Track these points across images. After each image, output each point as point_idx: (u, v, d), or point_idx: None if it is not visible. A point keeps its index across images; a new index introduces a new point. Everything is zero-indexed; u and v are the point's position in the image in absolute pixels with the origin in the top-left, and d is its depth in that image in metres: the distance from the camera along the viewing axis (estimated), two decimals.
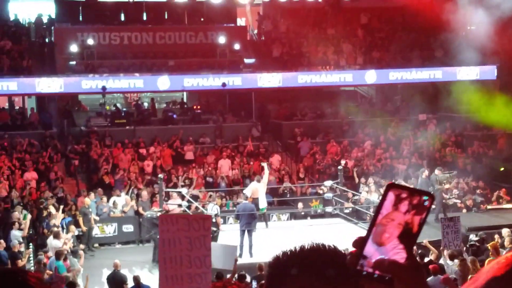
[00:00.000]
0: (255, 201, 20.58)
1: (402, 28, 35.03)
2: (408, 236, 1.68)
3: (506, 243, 16.94)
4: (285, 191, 25.98)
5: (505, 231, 17.86)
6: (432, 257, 16.22)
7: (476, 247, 18.38)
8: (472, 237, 18.91)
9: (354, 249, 1.71)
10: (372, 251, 1.69)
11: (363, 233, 1.73)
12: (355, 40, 34.85)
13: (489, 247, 16.18)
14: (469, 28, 34.61)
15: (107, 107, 32.69)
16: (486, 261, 15.28)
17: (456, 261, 14.94)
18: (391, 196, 1.71)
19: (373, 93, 35.19)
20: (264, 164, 22.52)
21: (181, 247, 7.30)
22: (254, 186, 21.08)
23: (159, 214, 21.36)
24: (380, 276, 1.65)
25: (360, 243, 1.72)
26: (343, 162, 27.30)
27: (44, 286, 2.01)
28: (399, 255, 1.67)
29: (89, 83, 28.92)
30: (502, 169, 28.68)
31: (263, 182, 21.30)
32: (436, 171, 23.32)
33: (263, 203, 20.83)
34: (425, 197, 1.70)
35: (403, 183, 25.29)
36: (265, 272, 2.08)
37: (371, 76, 31.32)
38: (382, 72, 31.66)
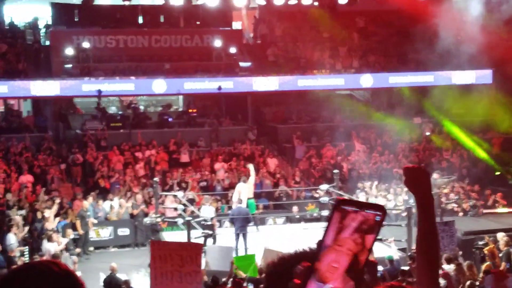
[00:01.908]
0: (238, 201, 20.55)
1: (398, 32, 35.07)
2: (356, 267, 1.58)
3: (501, 246, 16.99)
4: (281, 194, 25.99)
5: (500, 235, 17.90)
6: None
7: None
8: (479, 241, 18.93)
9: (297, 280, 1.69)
10: None
11: None
12: (351, 44, 34.89)
13: (485, 252, 16.21)
14: (465, 32, 34.69)
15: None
16: (483, 266, 15.33)
17: (452, 265, 14.96)
18: (339, 214, 1.61)
19: (369, 96, 35.21)
20: (250, 166, 22.49)
21: (172, 262, 7.32)
22: (238, 188, 21.05)
23: (158, 220, 21.42)
24: None
25: (304, 276, 1.65)
26: (344, 165, 27.40)
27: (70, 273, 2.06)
28: None
29: (84, 86, 28.92)
30: (497, 173, 28.75)
31: (249, 183, 21.28)
32: (435, 175, 23.29)
33: (244, 205, 20.70)
34: (377, 212, 1.63)
35: (397, 188, 25.36)
36: (264, 276, 2.11)
37: (366, 80, 31.37)
38: (378, 75, 31.72)
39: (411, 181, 2.62)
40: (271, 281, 2.07)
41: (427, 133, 31.00)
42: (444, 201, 23.28)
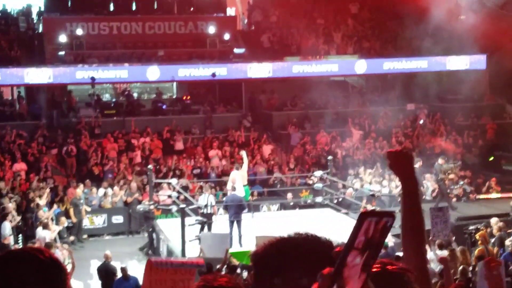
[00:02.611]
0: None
1: (392, 18, 34.99)
2: (369, 263, 1.73)
3: (494, 231, 17.04)
4: (275, 181, 26.00)
5: (493, 221, 17.94)
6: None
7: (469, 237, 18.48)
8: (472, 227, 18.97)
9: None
10: None
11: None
12: (346, 30, 34.80)
13: (477, 237, 16.24)
14: (459, 17, 34.65)
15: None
16: (476, 251, 15.37)
17: (445, 251, 14.99)
18: (365, 225, 1.72)
19: (363, 83, 35.19)
20: (243, 153, 22.45)
21: (165, 286, 7.27)
22: (233, 175, 21.05)
23: (151, 207, 21.41)
24: None
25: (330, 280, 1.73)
26: (338, 152, 27.43)
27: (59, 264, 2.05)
28: None
29: (78, 74, 28.82)
30: (491, 158, 28.79)
31: (243, 170, 21.25)
32: (440, 160, 23.21)
33: (240, 193, 20.73)
34: (389, 218, 1.77)
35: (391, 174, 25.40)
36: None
37: (361, 66, 31.32)
38: (372, 61, 31.66)
39: (394, 164, 2.80)
40: (260, 269, 2.04)
41: (421, 121, 30.97)
42: (449, 186, 23.20)
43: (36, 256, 2.03)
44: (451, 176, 23.26)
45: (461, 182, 24.42)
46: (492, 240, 16.64)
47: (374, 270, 2.09)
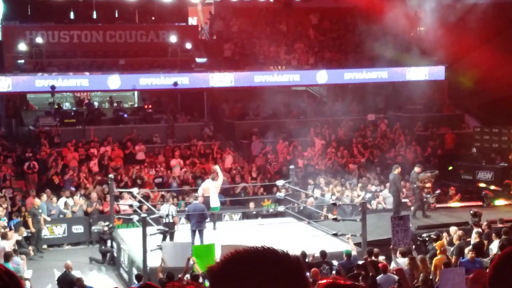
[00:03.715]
0: (206, 199, 20.53)
1: (353, 29, 35.34)
2: None
3: (454, 240, 17.24)
4: (241, 191, 25.99)
5: (453, 229, 18.17)
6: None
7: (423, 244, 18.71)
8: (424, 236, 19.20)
9: None
10: None
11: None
12: (307, 40, 35.03)
13: (436, 247, 16.43)
14: (419, 28, 35.17)
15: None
16: (434, 260, 15.55)
17: (405, 259, 15.14)
18: None
19: (324, 93, 35.44)
20: (216, 167, 22.42)
21: None
22: (206, 184, 21.02)
23: (106, 228, 21.23)
24: None
25: None
26: (300, 161, 27.55)
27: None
28: None
29: (38, 82, 28.51)
30: (450, 168, 29.18)
31: (218, 183, 21.23)
32: (416, 168, 23.38)
33: (214, 203, 20.76)
34: None
35: (350, 183, 25.60)
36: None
37: (322, 76, 31.53)
38: (333, 72, 31.90)
39: None
40: (216, 287, 1.98)
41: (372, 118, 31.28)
42: (425, 196, 23.37)
43: None
44: (428, 185, 23.45)
45: (437, 192, 24.68)
46: (451, 248, 16.85)
47: (324, 283, 2.06)
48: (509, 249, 2.46)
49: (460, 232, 17.66)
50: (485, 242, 17.35)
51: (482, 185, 26.49)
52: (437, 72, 32.74)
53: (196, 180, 25.97)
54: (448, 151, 30.71)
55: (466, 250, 15.81)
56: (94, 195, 23.68)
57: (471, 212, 20.05)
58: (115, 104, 32.54)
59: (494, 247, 16.59)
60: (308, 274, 13.55)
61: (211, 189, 20.77)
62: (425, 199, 23.20)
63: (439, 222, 21.29)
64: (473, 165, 28.17)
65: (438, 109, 33.82)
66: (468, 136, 31.40)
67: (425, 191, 23.20)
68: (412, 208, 22.99)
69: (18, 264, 16.87)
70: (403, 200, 24.00)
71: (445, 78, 32.94)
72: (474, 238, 17.51)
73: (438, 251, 16.10)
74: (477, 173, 27.60)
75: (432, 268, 15.15)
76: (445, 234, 18.08)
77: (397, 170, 22.63)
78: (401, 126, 31.55)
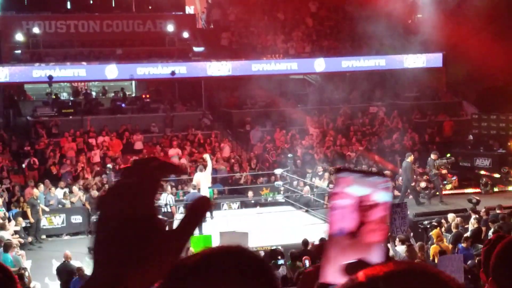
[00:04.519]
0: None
1: (351, 17, 35.25)
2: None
3: (452, 227, 17.29)
4: (240, 180, 25.99)
5: (450, 216, 18.22)
6: None
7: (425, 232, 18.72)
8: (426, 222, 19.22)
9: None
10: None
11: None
12: (305, 28, 34.95)
13: (433, 235, 16.48)
14: (417, 16, 35.12)
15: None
16: (431, 248, 15.60)
17: (403, 246, 15.18)
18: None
19: (322, 81, 35.38)
20: (206, 156, 22.42)
21: None
22: (197, 178, 21.01)
23: None
24: None
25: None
26: (298, 150, 27.54)
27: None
28: None
29: (35, 72, 28.47)
30: (448, 155, 29.16)
31: (207, 173, 21.20)
32: (432, 155, 23.33)
33: (205, 194, 20.68)
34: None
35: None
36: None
37: (320, 64, 31.50)
38: (331, 60, 31.87)
39: None
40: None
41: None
42: (442, 182, 23.38)
43: None
44: (444, 171, 23.46)
45: (453, 178, 24.69)
46: (449, 236, 16.90)
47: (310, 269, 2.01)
48: (510, 238, 2.46)
49: (458, 219, 17.71)
50: (484, 228, 17.39)
51: (483, 172, 26.44)
52: (435, 59, 32.70)
53: (196, 169, 25.93)
54: (446, 139, 30.70)
55: (463, 238, 15.88)
56: (94, 193, 23.61)
57: (469, 199, 20.08)
58: (112, 94, 32.40)
59: (491, 233, 16.65)
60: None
61: (201, 181, 20.73)
62: (441, 186, 23.19)
63: (437, 210, 21.32)
64: (471, 152, 28.17)
65: (436, 97, 33.80)
66: (466, 123, 31.38)
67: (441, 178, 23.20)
68: (436, 193, 22.85)
69: (17, 259, 16.86)
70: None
71: (442, 65, 32.91)
72: (472, 225, 17.56)
73: (435, 240, 16.16)
74: (475, 160, 27.61)
75: (431, 256, 15.20)
76: (443, 221, 18.14)
77: (410, 158, 22.51)
78: (399, 114, 31.52)
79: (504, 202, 20.85)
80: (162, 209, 19.59)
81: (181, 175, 17.65)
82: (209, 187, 21.20)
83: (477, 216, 18.09)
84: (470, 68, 30.84)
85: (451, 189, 24.48)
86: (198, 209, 1.37)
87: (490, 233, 16.96)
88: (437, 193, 22.87)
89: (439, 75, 33.81)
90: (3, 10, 33.32)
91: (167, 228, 1.43)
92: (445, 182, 23.66)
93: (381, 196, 1.44)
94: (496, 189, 24.96)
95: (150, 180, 1.33)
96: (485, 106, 31.31)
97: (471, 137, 29.50)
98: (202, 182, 20.69)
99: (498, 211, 18.48)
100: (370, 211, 1.44)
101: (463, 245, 15.25)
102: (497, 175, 26.07)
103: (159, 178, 1.35)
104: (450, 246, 15.99)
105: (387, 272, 1.18)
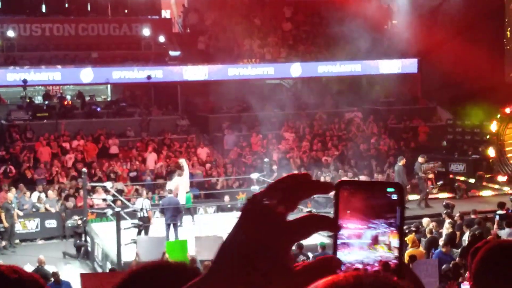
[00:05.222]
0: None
1: (327, 22, 35.36)
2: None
3: (427, 233, 17.38)
4: (216, 184, 25.96)
5: (425, 221, 18.33)
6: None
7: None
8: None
9: None
10: None
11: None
12: (281, 33, 35.02)
13: (407, 241, 16.57)
14: (392, 22, 35.35)
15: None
16: (406, 253, 15.66)
17: None
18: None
19: (299, 86, 35.46)
20: (182, 161, 22.39)
21: None
22: (175, 182, 20.94)
23: (79, 222, 21.07)
24: None
25: None
26: (274, 155, 27.56)
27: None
28: None
29: (9, 76, 28.22)
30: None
31: (185, 178, 21.17)
32: (420, 159, 23.42)
33: (182, 199, 20.63)
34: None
35: (326, 177, 25.67)
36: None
37: (296, 69, 31.58)
38: (307, 65, 31.97)
39: None
40: None
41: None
42: (430, 187, 23.49)
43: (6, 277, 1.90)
44: (431, 176, 23.56)
45: (440, 182, 24.82)
46: (424, 241, 16.99)
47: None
48: (493, 243, 2.47)
49: (432, 224, 17.81)
50: (458, 233, 17.51)
51: (461, 178, 26.64)
52: (410, 65, 32.95)
53: (171, 173, 25.87)
54: (420, 144, 30.90)
55: (440, 242, 15.96)
56: (50, 194, 23.45)
57: (444, 203, 20.22)
58: (87, 98, 32.19)
59: (466, 238, 16.76)
60: None
61: (180, 186, 20.67)
62: (428, 190, 23.31)
63: (412, 214, 21.43)
64: (446, 157, 28.39)
65: (411, 102, 34.03)
66: (441, 129, 31.61)
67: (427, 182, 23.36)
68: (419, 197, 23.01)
69: None
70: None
71: (417, 71, 33.15)
72: (447, 229, 17.67)
73: (409, 245, 16.25)
74: (449, 165, 27.83)
75: (406, 261, 15.26)
76: (421, 226, 18.23)
77: (402, 162, 22.61)
78: (375, 119, 31.69)
79: (478, 207, 21.05)
80: (138, 213, 19.48)
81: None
82: (186, 192, 21.16)
83: (451, 220, 18.21)
84: (444, 74, 31.09)
85: (436, 193, 24.64)
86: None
87: (464, 237, 17.11)
88: (424, 197, 23.07)
89: (414, 80, 34.04)
90: None
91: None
92: (431, 186, 23.83)
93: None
94: (470, 194, 25.18)
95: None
96: (459, 111, 31.57)
97: (444, 143, 29.75)
98: (181, 187, 20.64)
99: (472, 216, 18.63)
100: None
101: (443, 250, 15.34)
102: (471, 180, 26.30)
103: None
104: (424, 252, 16.08)
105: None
